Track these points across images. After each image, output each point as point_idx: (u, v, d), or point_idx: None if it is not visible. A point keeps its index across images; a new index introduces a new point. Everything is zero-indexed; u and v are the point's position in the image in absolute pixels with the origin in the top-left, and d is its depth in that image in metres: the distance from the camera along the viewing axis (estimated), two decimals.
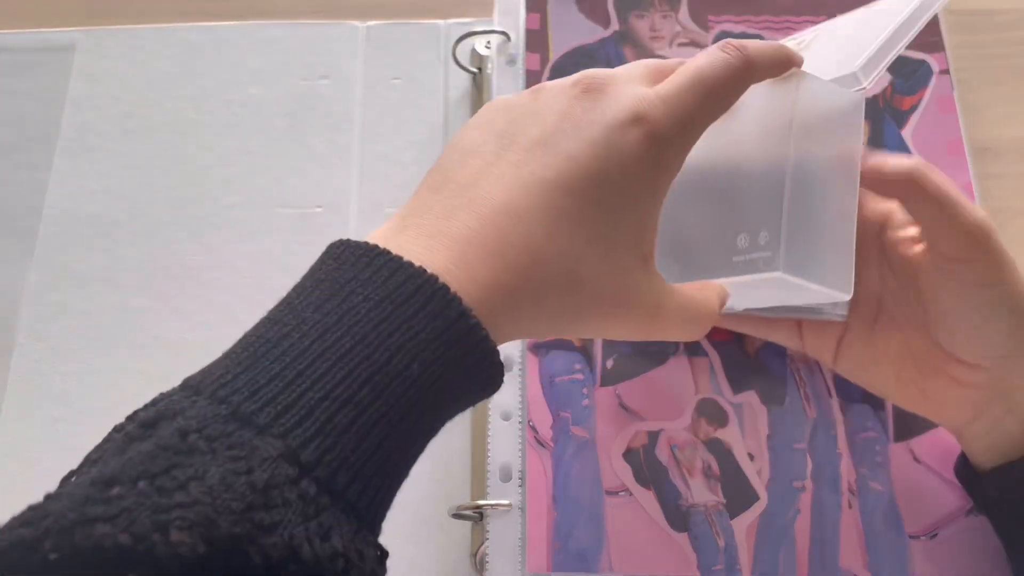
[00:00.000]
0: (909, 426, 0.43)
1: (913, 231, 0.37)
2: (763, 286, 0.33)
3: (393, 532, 0.44)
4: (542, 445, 0.43)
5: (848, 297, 0.32)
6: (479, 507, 0.41)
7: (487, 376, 0.28)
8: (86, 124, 0.53)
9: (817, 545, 0.41)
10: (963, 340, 0.36)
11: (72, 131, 0.52)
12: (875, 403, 0.43)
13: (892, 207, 0.38)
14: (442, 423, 0.28)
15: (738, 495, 0.42)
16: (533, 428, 0.43)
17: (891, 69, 0.51)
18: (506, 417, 0.43)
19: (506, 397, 0.43)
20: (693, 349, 0.45)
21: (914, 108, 0.50)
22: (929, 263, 0.36)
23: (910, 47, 0.51)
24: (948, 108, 0.50)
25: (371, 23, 0.55)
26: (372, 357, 0.24)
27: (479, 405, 0.43)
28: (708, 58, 0.30)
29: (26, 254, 0.49)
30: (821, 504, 0.41)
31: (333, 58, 0.54)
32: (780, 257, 0.30)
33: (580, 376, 0.44)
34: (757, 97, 0.33)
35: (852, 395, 0.43)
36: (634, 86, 0.30)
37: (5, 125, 0.53)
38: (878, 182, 0.35)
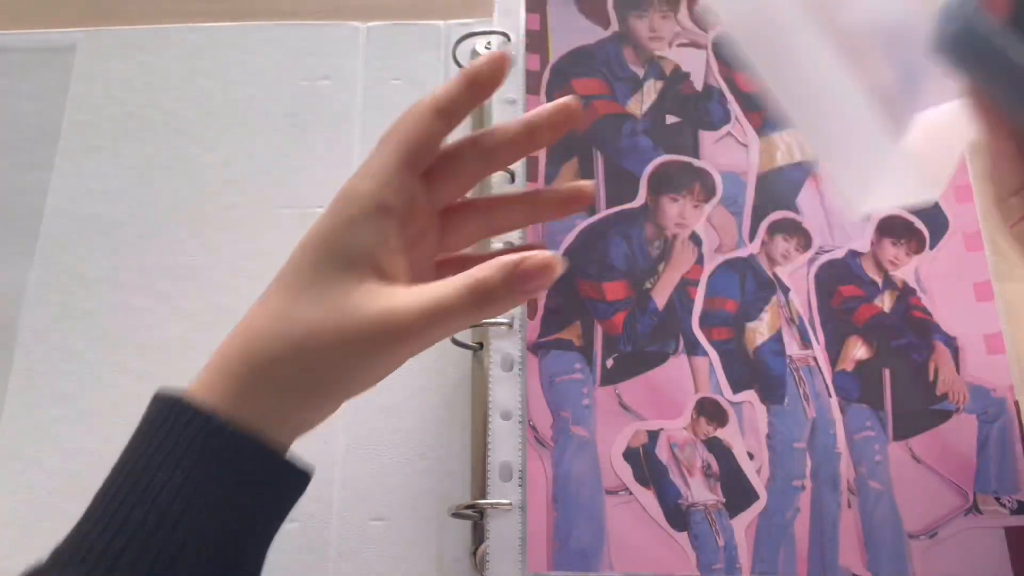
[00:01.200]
0: (908, 425, 0.43)
1: None
2: None
3: (393, 532, 0.44)
4: (542, 444, 0.43)
5: None
6: (479, 506, 0.42)
7: (255, 463, 0.30)
8: (87, 124, 0.53)
9: (816, 544, 0.41)
10: None
11: (73, 131, 0.52)
12: (874, 402, 0.43)
13: None
14: (251, 518, 0.30)
15: (738, 494, 0.42)
16: (533, 427, 0.43)
17: None
18: (506, 416, 0.43)
19: (506, 397, 0.43)
20: (692, 348, 0.45)
21: None
22: None
23: None
24: None
25: (372, 24, 0.55)
26: (136, 483, 0.29)
27: (479, 404, 0.44)
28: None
29: (27, 254, 0.50)
30: (820, 503, 0.42)
31: (334, 59, 0.54)
32: None
33: (580, 376, 0.44)
34: None
35: (851, 394, 0.44)
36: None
37: (6, 125, 0.53)
38: None
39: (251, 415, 0.30)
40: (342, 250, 0.32)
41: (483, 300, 0.31)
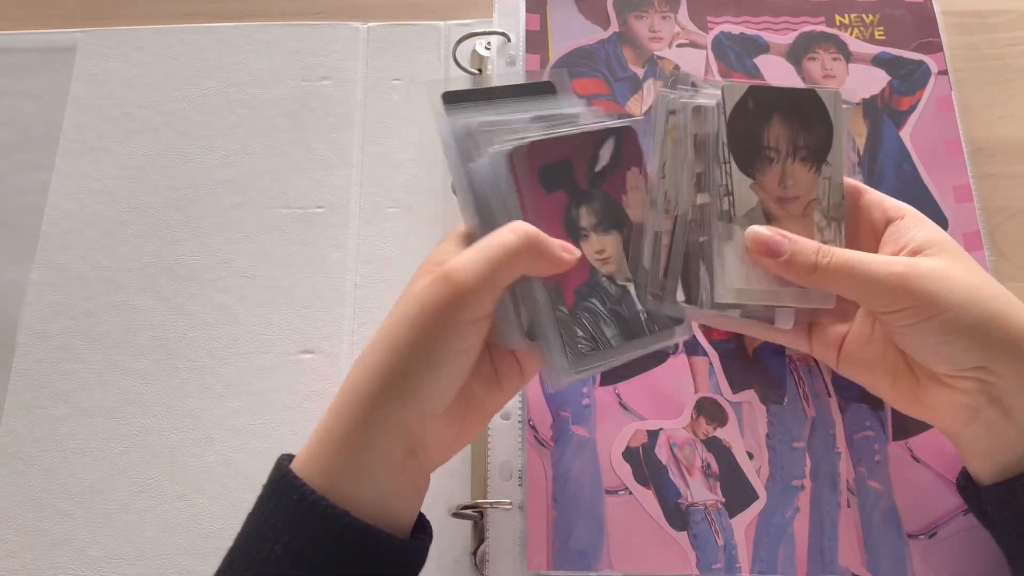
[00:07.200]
0: (907, 425, 0.43)
1: None
2: None
3: None
4: (542, 444, 0.43)
5: None
6: (479, 506, 0.42)
7: (348, 542, 0.32)
8: (87, 125, 0.53)
9: (816, 543, 0.41)
10: (931, 361, 0.36)
11: (73, 132, 0.53)
12: (873, 402, 0.43)
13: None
14: None
15: (737, 494, 0.42)
16: (533, 427, 0.43)
17: (889, 70, 0.51)
18: (506, 416, 0.43)
19: None
20: (692, 348, 0.45)
21: (912, 109, 0.50)
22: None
23: (910, 48, 0.52)
24: (946, 108, 0.50)
25: (372, 24, 0.55)
26: (249, 550, 0.32)
27: None
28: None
29: (28, 254, 0.50)
30: (820, 502, 0.42)
31: (334, 59, 0.54)
32: None
33: None
34: None
35: (851, 394, 0.44)
36: None
37: (7, 126, 0.53)
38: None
39: (355, 470, 0.33)
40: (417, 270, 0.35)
41: (531, 235, 0.33)
